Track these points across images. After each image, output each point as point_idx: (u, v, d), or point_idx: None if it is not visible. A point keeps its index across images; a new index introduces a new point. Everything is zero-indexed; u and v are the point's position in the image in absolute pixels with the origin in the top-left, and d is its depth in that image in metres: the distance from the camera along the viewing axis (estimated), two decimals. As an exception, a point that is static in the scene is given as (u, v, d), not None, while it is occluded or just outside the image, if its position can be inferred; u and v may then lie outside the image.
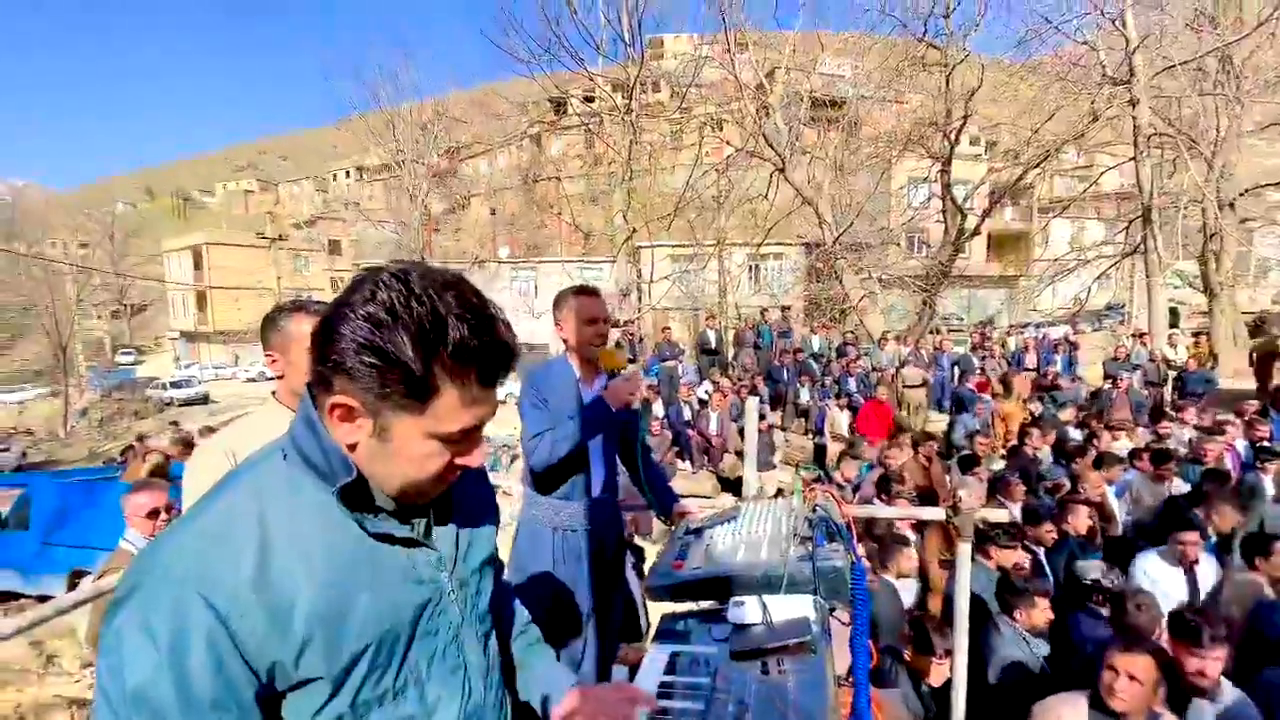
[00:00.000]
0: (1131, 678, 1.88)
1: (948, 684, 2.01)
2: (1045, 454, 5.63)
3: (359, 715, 0.72)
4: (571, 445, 1.81)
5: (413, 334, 0.64)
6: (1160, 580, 2.96)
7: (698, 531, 1.50)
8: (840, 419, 8.55)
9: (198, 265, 41.01)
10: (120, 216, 48.04)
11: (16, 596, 6.92)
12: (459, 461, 0.73)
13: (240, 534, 0.67)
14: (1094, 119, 13.52)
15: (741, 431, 8.93)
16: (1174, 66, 12.50)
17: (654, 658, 1.08)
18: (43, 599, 6.57)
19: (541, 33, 14.15)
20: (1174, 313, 14.67)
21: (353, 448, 0.71)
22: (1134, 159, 12.94)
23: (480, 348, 0.67)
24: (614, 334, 11.17)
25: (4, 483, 8.94)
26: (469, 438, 0.73)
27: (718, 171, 15.51)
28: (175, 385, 26.88)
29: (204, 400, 25.66)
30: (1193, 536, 3.02)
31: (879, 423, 8.04)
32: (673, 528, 1.86)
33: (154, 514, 2.68)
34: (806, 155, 15.02)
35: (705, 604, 1.27)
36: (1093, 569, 2.91)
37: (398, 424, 0.68)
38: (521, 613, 1.05)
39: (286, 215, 57.52)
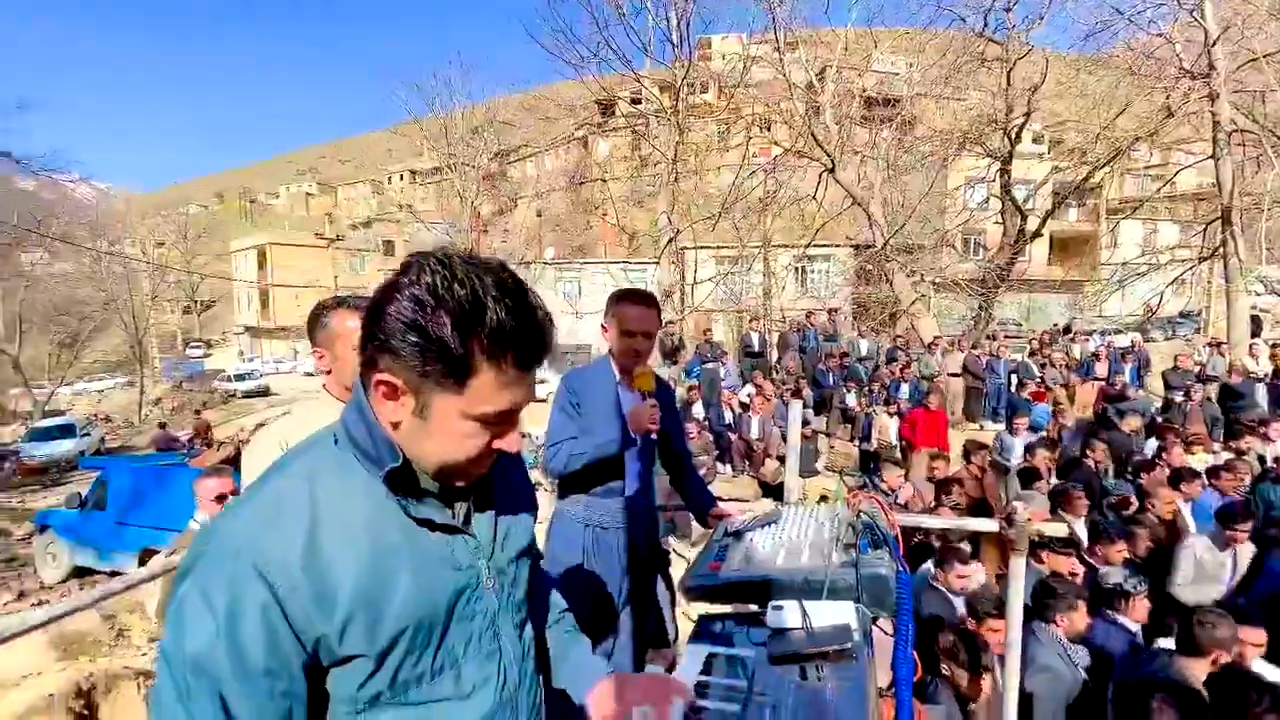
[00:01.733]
0: None
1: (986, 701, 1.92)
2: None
3: (398, 694, 0.75)
4: (594, 459, 1.80)
5: (453, 314, 0.67)
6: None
7: (737, 534, 1.48)
8: (889, 426, 8.30)
9: (261, 264, 43.14)
10: (193, 218, 50.80)
11: (92, 572, 7.41)
12: (496, 444, 0.76)
13: (292, 513, 0.71)
14: (1169, 114, 12.76)
15: (784, 436, 8.79)
16: (1257, 59, 11.70)
17: (690, 657, 1.07)
18: (115, 575, 7.02)
19: (590, 36, 14.24)
20: (1255, 321, 13.68)
21: (396, 426, 0.74)
22: (1213, 157, 12.14)
23: (516, 331, 0.70)
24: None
25: (85, 465, 9.61)
26: (506, 421, 0.75)
27: (765, 172, 15.31)
28: (239, 378, 28.26)
29: (265, 392, 26.88)
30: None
31: (929, 431, 7.77)
32: (710, 530, 1.84)
33: (221, 498, 2.83)
34: (858, 155, 14.69)
35: (743, 607, 1.24)
36: (1114, 574, 2.77)
37: (438, 403, 0.71)
38: (558, 602, 1.06)
39: (344, 217, 59.77)
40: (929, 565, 3.03)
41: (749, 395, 9.38)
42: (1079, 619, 2.46)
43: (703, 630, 1.17)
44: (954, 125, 15.96)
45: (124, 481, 6.95)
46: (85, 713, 4.07)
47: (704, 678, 1.01)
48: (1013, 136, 14.19)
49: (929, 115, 17.13)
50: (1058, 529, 2.18)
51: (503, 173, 31.77)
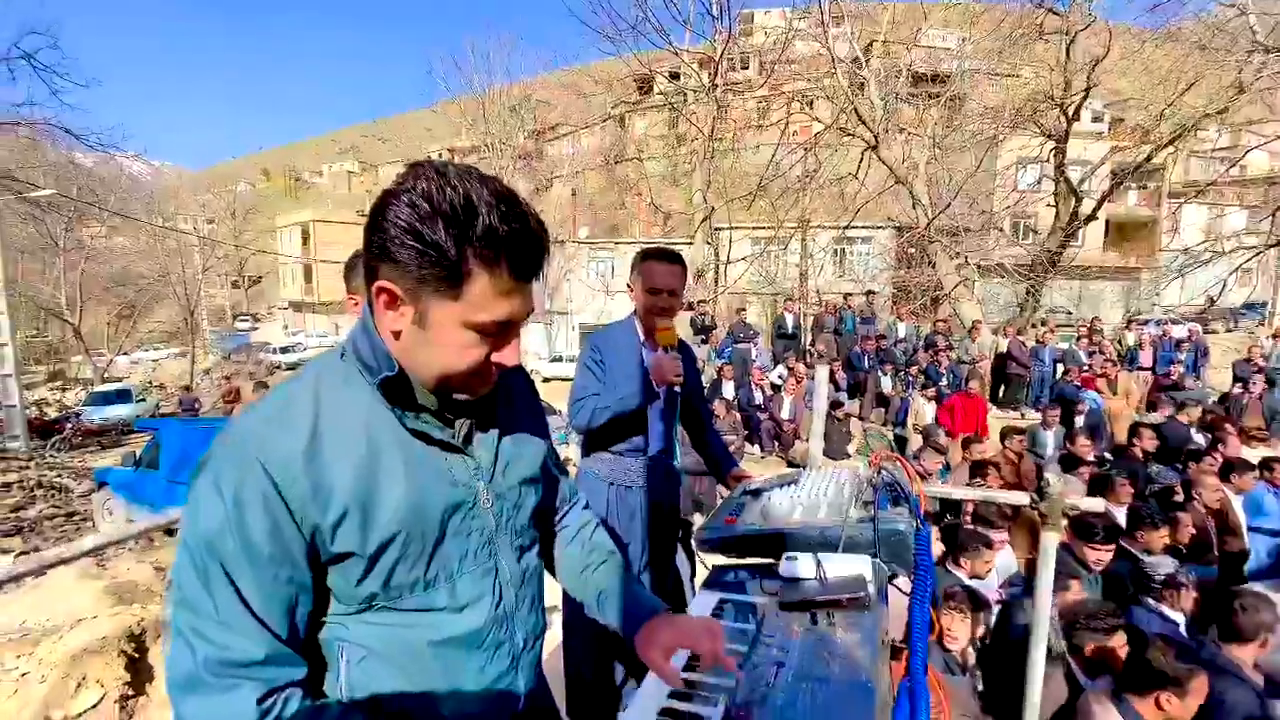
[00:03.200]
0: (1177, 697, 1.72)
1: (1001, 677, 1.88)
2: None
3: (392, 597, 0.78)
4: (617, 412, 1.80)
5: (447, 219, 0.68)
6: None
7: (755, 492, 1.46)
8: (926, 410, 8.11)
9: (305, 241, 44.26)
10: (240, 195, 52.35)
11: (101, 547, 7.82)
12: (495, 358, 0.77)
13: (296, 416, 0.75)
14: (1240, 91, 11.96)
15: (816, 418, 8.69)
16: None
17: (701, 602, 1.06)
18: (170, 531, 7.40)
19: (629, 10, 14.04)
20: (1327, 312, 12.85)
21: (397, 336, 0.76)
22: (1287, 136, 11.38)
23: (510, 235, 0.70)
24: (684, 315, 11.07)
25: (140, 426, 10.16)
26: (504, 333, 0.76)
27: (805, 149, 14.94)
28: (284, 350, 29.30)
29: (308, 365, 27.87)
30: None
31: (967, 417, 7.55)
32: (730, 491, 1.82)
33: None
34: (902, 133, 14.20)
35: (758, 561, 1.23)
36: (1164, 564, 2.66)
37: (436, 310, 0.72)
38: (606, 543, 1.07)
39: (385, 195, 60.65)
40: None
41: (780, 376, 9.27)
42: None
43: (716, 579, 1.16)
44: (1006, 102, 15.27)
45: (175, 442, 7.27)
46: (136, 655, 4.32)
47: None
48: (1070, 114, 13.49)
49: (980, 92, 16.42)
50: (1093, 504, 2.09)
51: (539, 151, 31.80)
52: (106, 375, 24.92)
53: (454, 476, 0.81)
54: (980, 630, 2.35)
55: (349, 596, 0.77)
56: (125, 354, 30.84)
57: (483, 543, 0.84)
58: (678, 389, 1.91)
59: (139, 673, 4.15)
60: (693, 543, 1.89)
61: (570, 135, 30.08)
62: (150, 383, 23.40)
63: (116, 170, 29.21)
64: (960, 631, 2.20)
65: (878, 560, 1.08)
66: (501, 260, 0.71)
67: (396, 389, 0.77)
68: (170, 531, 7.38)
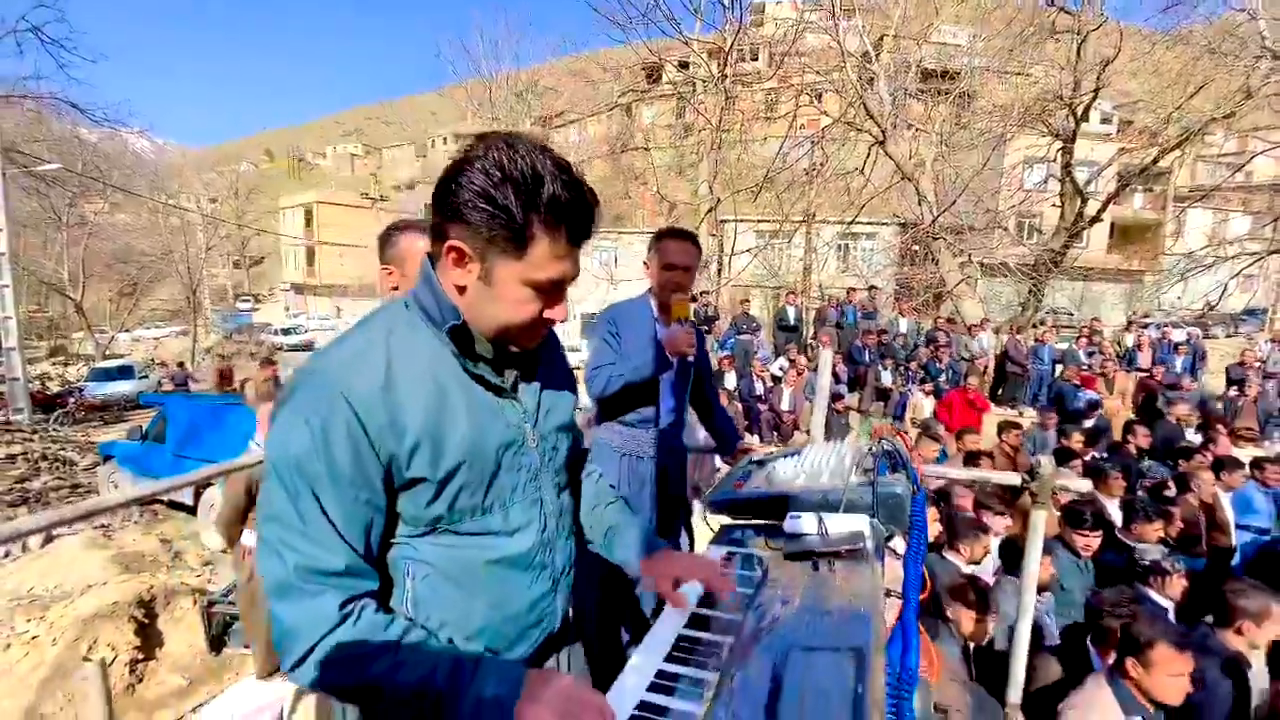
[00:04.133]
0: (1170, 674, 1.81)
1: (989, 651, 1.96)
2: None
3: (454, 520, 0.87)
4: (631, 380, 1.88)
5: (516, 185, 0.76)
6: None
7: (760, 462, 1.54)
8: (924, 405, 8.20)
9: (308, 222, 44.18)
10: (243, 175, 52.19)
11: (151, 502, 7.91)
12: (546, 314, 0.85)
13: (373, 355, 0.83)
14: (1248, 96, 11.97)
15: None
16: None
17: (710, 554, 1.14)
18: (174, 505, 7.48)
19: (641, -1, 13.96)
20: (1326, 319, 12.92)
21: (462, 291, 0.84)
22: (1293, 142, 11.40)
23: (570, 204, 0.78)
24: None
25: (146, 400, 10.25)
26: (556, 291, 0.84)
27: (812, 143, 14.93)
28: (285, 332, 29.38)
29: (309, 347, 27.87)
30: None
31: (965, 412, 7.65)
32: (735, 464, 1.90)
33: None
34: (910, 128, 14.19)
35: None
36: (1152, 552, 2.75)
37: (500, 268, 0.80)
38: (609, 492, 1.17)
39: (389, 178, 60.60)
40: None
41: (781, 368, 9.35)
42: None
43: (723, 535, 1.24)
44: (1015, 100, 15.24)
45: (182, 417, 7.34)
46: (146, 621, 4.42)
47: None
48: (1079, 114, 13.48)
49: (989, 89, 16.39)
50: (1081, 484, 2.17)
51: (545, 138, 31.68)
52: (108, 352, 24.99)
53: (506, 418, 0.90)
54: (991, 630, 2.34)
55: (417, 520, 0.85)
56: (127, 331, 30.87)
57: (530, 477, 0.93)
58: (690, 359, 1.98)
59: (149, 638, 4.26)
60: (693, 520, 1.97)
61: (577, 123, 29.99)
62: (152, 360, 23.46)
63: (121, 146, 29.12)
64: (968, 628, 2.25)
65: (875, 521, 1.15)
66: (561, 226, 0.79)
67: (460, 337, 0.86)
68: (174, 504, 7.47)
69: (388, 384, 0.81)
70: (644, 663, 0.85)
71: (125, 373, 17.09)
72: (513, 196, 0.76)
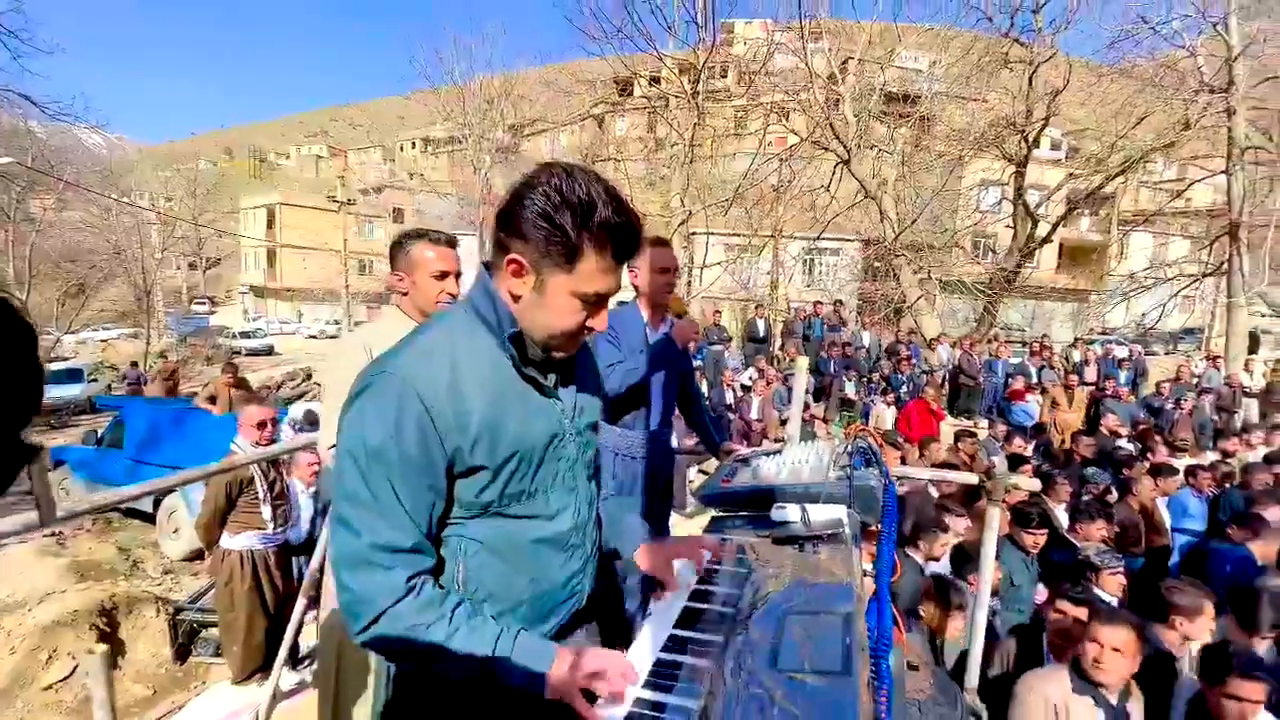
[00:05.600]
0: (1115, 650, 1.96)
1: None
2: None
3: (504, 504, 0.98)
4: (637, 378, 2.00)
5: (573, 209, 0.88)
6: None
7: (745, 460, 1.66)
8: (886, 415, 8.51)
9: (270, 224, 43.07)
10: (202, 174, 50.63)
11: (105, 510, 7.63)
12: (590, 323, 0.96)
13: (439, 355, 0.94)
14: (1186, 127, 12.79)
15: (783, 420, 9.00)
16: (1278, 77, 11.73)
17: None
18: (130, 513, 7.23)
19: (615, 11, 14.20)
20: (1253, 338, 13.83)
21: (516, 299, 0.95)
22: (1226, 173, 12.22)
23: (618, 227, 0.90)
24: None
25: (102, 403, 9.86)
26: (599, 303, 0.96)
27: (780, 160, 15.35)
28: (244, 335, 28.47)
29: (269, 351, 27.09)
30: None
31: (922, 423, 7.97)
32: (720, 463, 2.02)
33: (262, 425, 3.02)
34: (874, 149, 14.72)
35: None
36: (1090, 549, 2.97)
37: (552, 280, 0.92)
38: (608, 483, 1.27)
39: (355, 181, 59.55)
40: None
41: (750, 378, 9.57)
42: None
43: (715, 526, 1.36)
44: (972, 125, 15.96)
45: (140, 421, 7.11)
46: (108, 630, 4.31)
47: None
48: (1030, 140, 14.20)
49: (948, 114, 17.11)
50: (1030, 483, 2.37)
51: (516, 146, 31.65)
52: (54, 354, 23.89)
53: (551, 415, 1.01)
54: (959, 626, 2.51)
55: (471, 503, 0.96)
56: (73, 333, 29.56)
57: (568, 468, 1.04)
58: (693, 349, 2.09)
59: (111, 647, 4.15)
60: (693, 499, 2.07)
61: (549, 132, 30.04)
62: (101, 363, 22.52)
63: (73, 141, 28.03)
64: (941, 625, 2.42)
65: (852, 510, 1.29)
66: (608, 246, 0.90)
67: (517, 343, 0.96)
68: (129, 512, 7.21)
69: (453, 381, 0.91)
70: (656, 628, 0.96)
71: (73, 376, 16.36)
72: (569, 218, 0.87)
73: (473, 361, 0.94)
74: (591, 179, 0.90)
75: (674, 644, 0.92)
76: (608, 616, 1.21)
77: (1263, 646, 2.57)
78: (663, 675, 0.85)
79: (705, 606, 1.01)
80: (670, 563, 1.10)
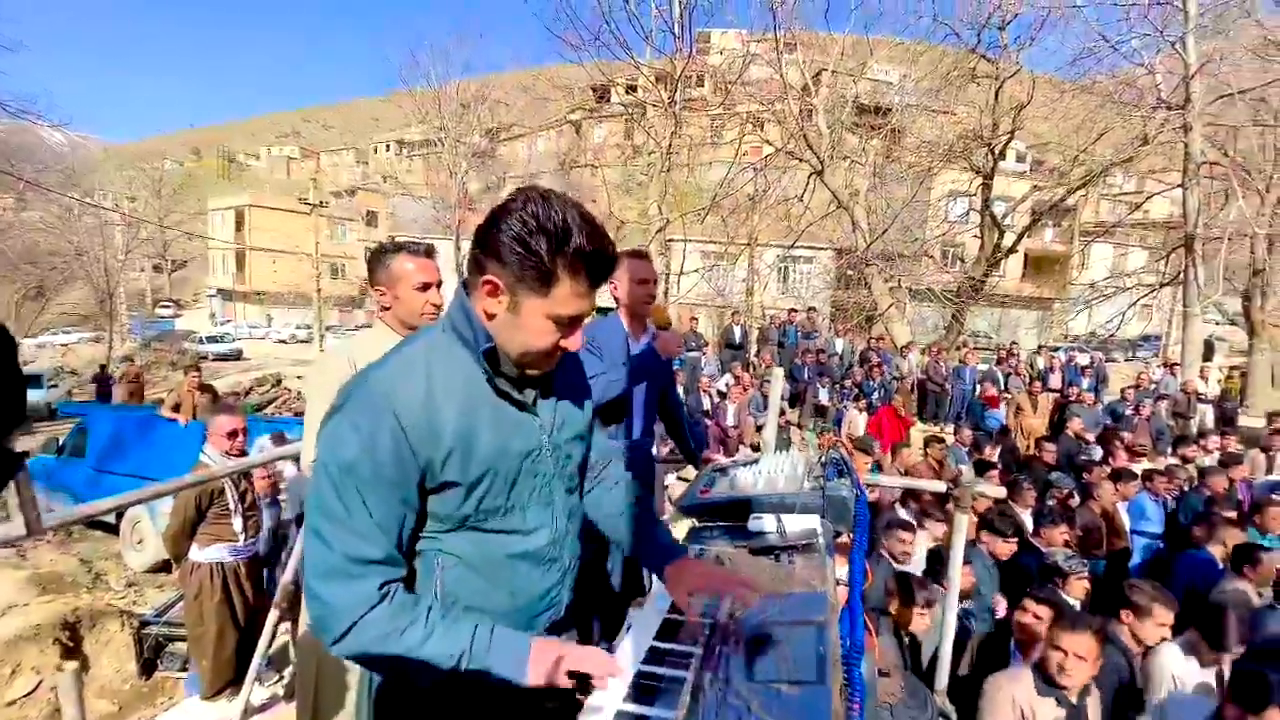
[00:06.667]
0: (1078, 656, 2.03)
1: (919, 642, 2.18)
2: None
3: (479, 519, 0.99)
4: (619, 390, 2.02)
5: (548, 235, 0.90)
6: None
7: (723, 470, 1.70)
8: (858, 421, 8.65)
9: (239, 226, 42.16)
10: (168, 174, 49.36)
11: (91, 516, 7.36)
12: (563, 343, 0.98)
13: (416, 370, 0.96)
14: (1144, 142, 13.29)
15: (759, 426, 9.10)
16: (1232, 95, 12.25)
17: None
18: (92, 524, 7.00)
19: (593, 19, 14.27)
20: (1209, 346, 14.40)
21: (491, 318, 0.97)
22: (1182, 186, 12.71)
23: (592, 255, 0.93)
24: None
25: (64, 410, 9.52)
26: (573, 325, 0.98)
27: (755, 170, 15.55)
28: (211, 340, 27.73)
29: (237, 356, 26.43)
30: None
31: (892, 429, 8.13)
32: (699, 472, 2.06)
33: (233, 434, 2.97)
34: (846, 160, 15.00)
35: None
36: (1057, 554, 3.08)
37: (527, 302, 0.94)
38: (626, 498, 1.25)
39: (327, 183, 58.59)
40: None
41: (727, 384, 9.66)
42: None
43: (693, 537, 1.40)
44: (940, 138, 16.36)
45: (104, 429, 6.92)
46: (71, 644, 4.18)
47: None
48: (996, 153, 14.63)
49: (918, 126, 17.52)
50: (996, 490, 2.45)
51: (492, 151, 31.51)
52: (9, 358, 23.00)
53: (525, 430, 1.03)
54: (926, 623, 2.59)
55: (447, 517, 0.97)
56: (32, 337, 28.56)
57: (544, 483, 1.05)
58: (676, 359, 2.11)
59: (74, 660, 4.03)
60: (673, 507, 2.09)
61: (526, 137, 29.98)
62: (61, 368, 21.78)
63: (35, 140, 27.13)
64: (913, 622, 2.49)
65: (825, 520, 1.34)
66: (582, 271, 0.93)
67: (489, 359, 0.98)
68: (93, 524, 7.00)
69: (428, 396, 0.93)
70: (636, 640, 0.99)
71: (31, 381, 15.79)
72: (544, 244, 0.89)
73: (448, 377, 0.96)
74: (568, 205, 0.92)
75: (654, 656, 0.95)
76: (590, 611, 1.21)
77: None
78: (643, 687, 0.88)
79: (684, 618, 1.04)
80: (692, 593, 1.05)
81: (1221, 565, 3.55)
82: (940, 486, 2.08)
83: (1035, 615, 2.50)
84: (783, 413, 8.64)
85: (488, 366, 0.98)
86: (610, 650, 0.99)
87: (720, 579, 1.07)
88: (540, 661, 0.90)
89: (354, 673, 1.70)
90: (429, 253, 1.88)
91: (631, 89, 17.56)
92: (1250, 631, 2.62)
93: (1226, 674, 2.63)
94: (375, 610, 0.88)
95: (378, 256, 1.83)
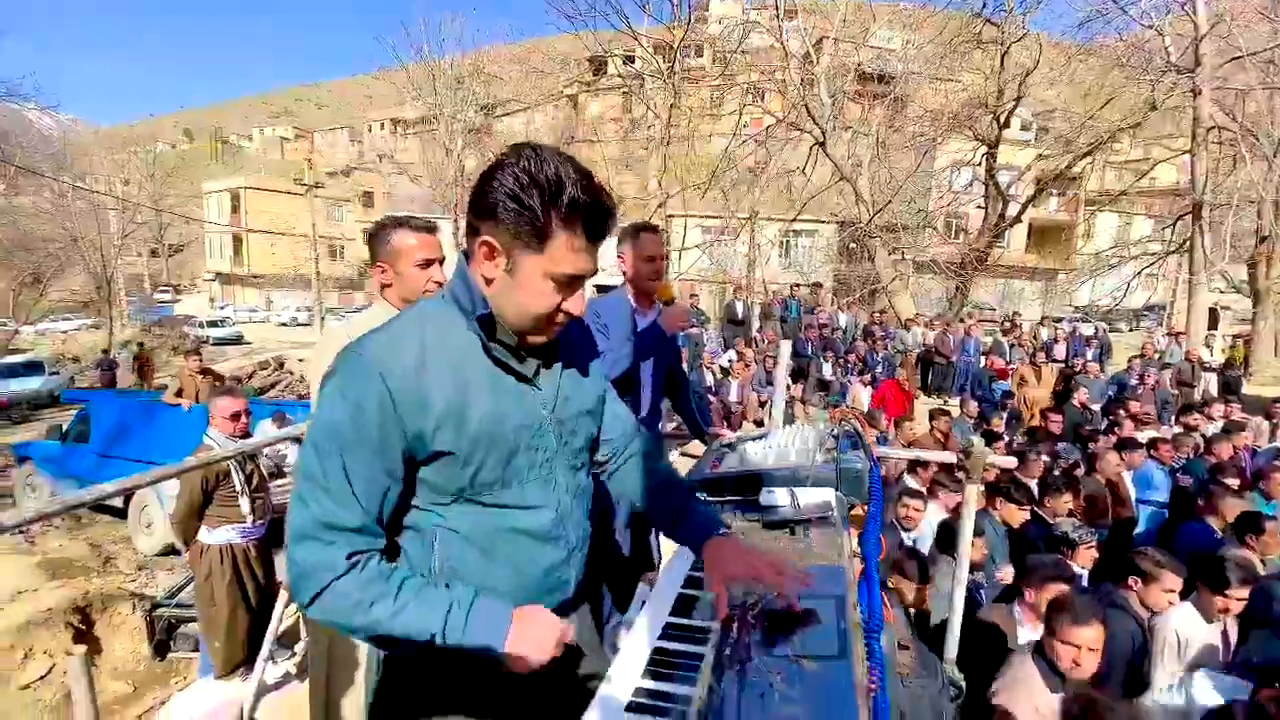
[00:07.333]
0: (1090, 650, 1.98)
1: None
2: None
3: (476, 492, 0.97)
4: (626, 366, 1.99)
5: (541, 189, 0.86)
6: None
7: (731, 445, 1.68)
8: (863, 395, 8.63)
9: (235, 209, 41.79)
10: (160, 156, 48.80)
11: (74, 507, 7.42)
12: (564, 306, 0.94)
13: (409, 340, 0.93)
14: (1153, 107, 13.05)
15: (762, 403, 9.08)
16: (1241, 57, 11.99)
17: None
18: (101, 508, 7.05)
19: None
20: (1213, 314, 14.31)
21: (490, 282, 0.94)
22: (1190, 152, 12.50)
23: (587, 205, 0.89)
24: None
25: (68, 397, 9.54)
26: (573, 285, 0.94)
27: (756, 142, 15.32)
28: (212, 324, 27.68)
29: (238, 340, 26.40)
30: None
31: (896, 402, 8.11)
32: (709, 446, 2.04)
33: (235, 416, 2.95)
34: (849, 130, 14.77)
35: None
36: (1065, 524, 3.08)
37: (524, 262, 0.90)
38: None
39: (322, 164, 58.01)
40: None
41: (730, 361, 9.62)
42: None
43: (705, 512, 1.37)
44: (945, 106, 16.07)
45: (109, 414, 6.93)
46: (83, 628, 4.22)
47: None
48: (1001, 121, 14.37)
49: (921, 94, 17.20)
50: (1007, 461, 2.43)
51: (489, 127, 31.07)
52: (11, 346, 23.04)
53: (526, 403, 1.00)
54: (928, 595, 2.61)
55: (443, 490, 0.95)
56: (31, 324, 28.53)
57: (545, 459, 1.02)
58: (683, 334, 2.08)
59: (88, 645, 4.08)
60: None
61: (522, 112, 29.51)
62: (63, 355, 21.79)
63: (22, 124, 26.79)
64: (909, 597, 2.49)
65: (839, 493, 1.31)
66: (579, 225, 0.89)
67: (487, 327, 0.96)
68: (100, 509, 7.03)
69: (420, 365, 0.91)
70: (652, 616, 0.97)
71: (33, 368, 15.80)
72: (537, 198, 0.86)
73: (442, 345, 0.94)
74: (561, 159, 0.89)
75: (671, 632, 0.93)
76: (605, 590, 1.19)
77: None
78: (661, 664, 0.86)
79: (700, 594, 1.02)
80: (730, 580, 0.97)
81: (1219, 535, 3.56)
82: (951, 457, 2.06)
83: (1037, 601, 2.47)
84: (787, 389, 8.62)
85: (483, 334, 0.95)
86: (627, 627, 0.97)
87: (761, 566, 0.96)
88: (517, 649, 0.88)
89: (365, 649, 1.69)
90: (430, 228, 1.83)
91: (629, 60, 17.21)
92: (1265, 603, 2.60)
93: (1232, 634, 2.65)
94: (344, 579, 0.87)
95: (378, 232, 1.78)
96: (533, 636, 0.89)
